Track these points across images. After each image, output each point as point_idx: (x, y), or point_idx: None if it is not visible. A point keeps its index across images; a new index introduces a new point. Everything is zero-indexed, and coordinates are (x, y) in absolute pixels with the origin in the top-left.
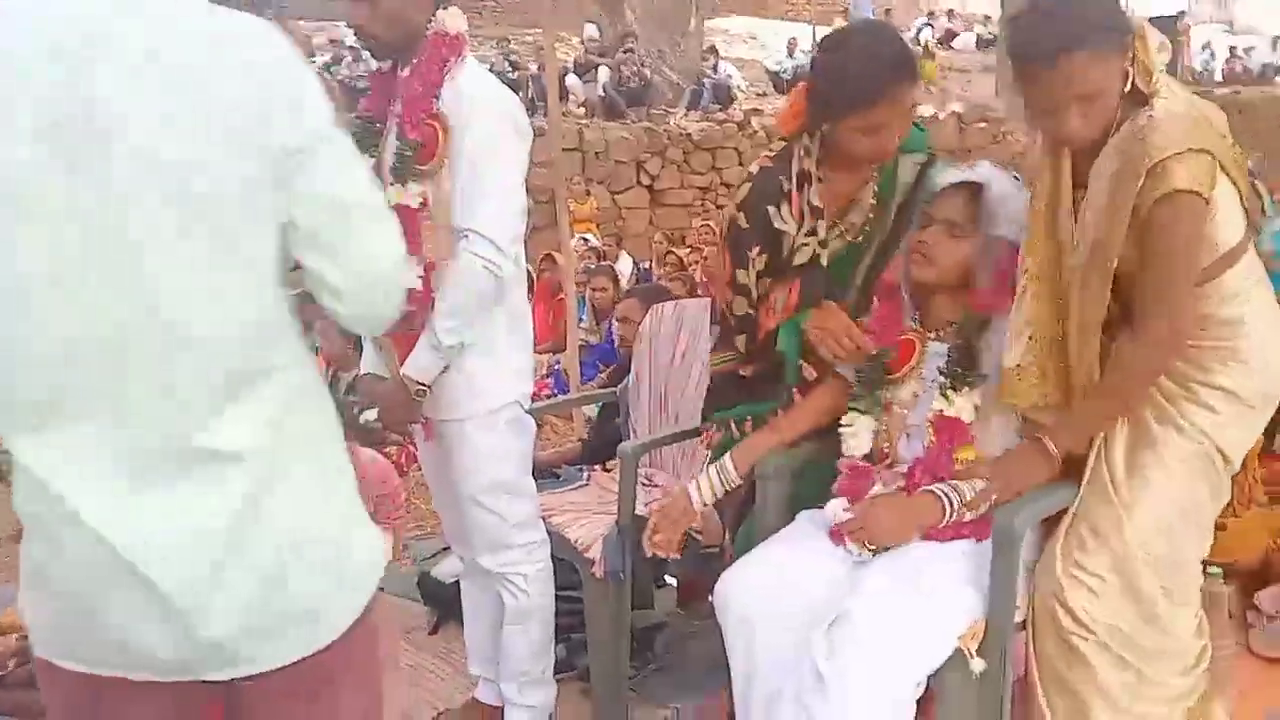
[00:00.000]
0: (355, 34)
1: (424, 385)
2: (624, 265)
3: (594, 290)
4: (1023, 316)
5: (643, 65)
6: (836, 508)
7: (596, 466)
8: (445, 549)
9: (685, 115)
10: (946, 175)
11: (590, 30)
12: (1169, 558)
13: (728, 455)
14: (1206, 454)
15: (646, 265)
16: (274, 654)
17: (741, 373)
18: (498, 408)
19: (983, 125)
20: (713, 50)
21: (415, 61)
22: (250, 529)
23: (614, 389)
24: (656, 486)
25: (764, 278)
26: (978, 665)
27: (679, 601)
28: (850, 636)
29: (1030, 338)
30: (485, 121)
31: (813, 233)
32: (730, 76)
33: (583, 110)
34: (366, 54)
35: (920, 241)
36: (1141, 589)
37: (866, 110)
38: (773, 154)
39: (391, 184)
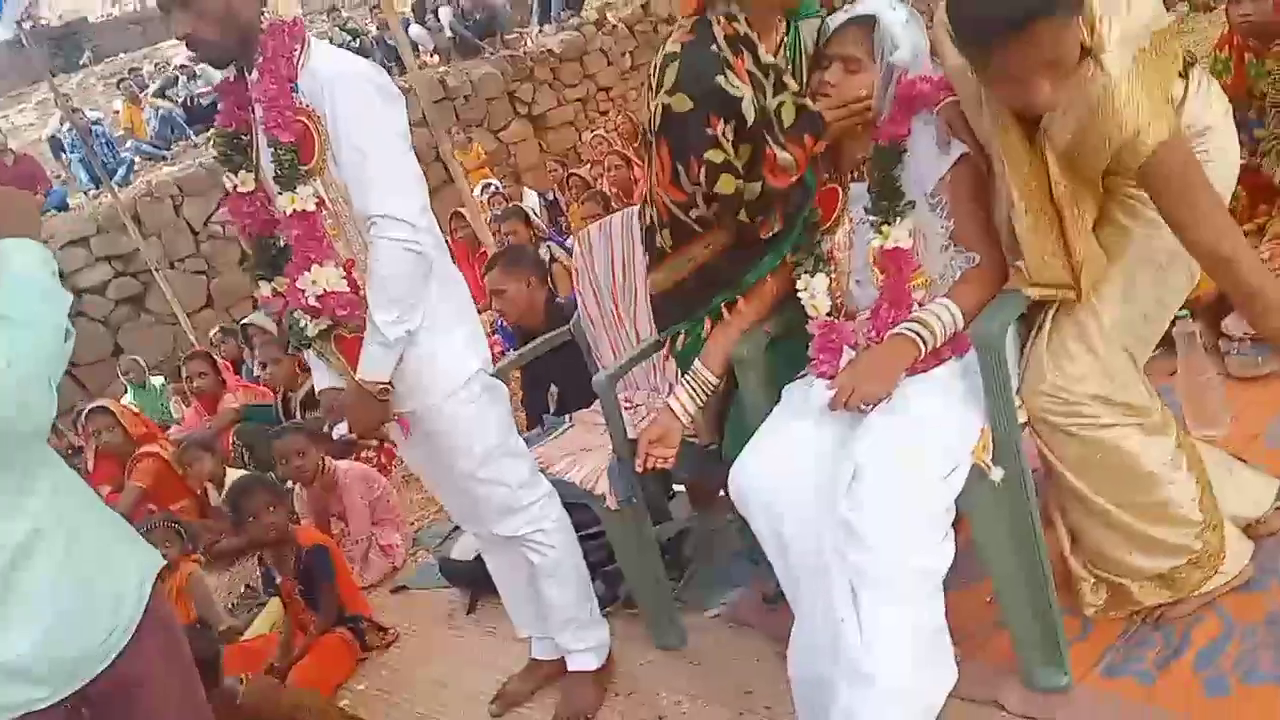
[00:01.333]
0: (186, 45)
1: (385, 384)
2: (530, 200)
3: (509, 234)
4: (1023, 228)
5: None
6: (820, 389)
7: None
8: (455, 529)
9: (540, 32)
10: (837, 17)
11: None
12: (1143, 340)
13: (698, 361)
14: (1180, 251)
15: (551, 196)
16: (90, 669)
17: (763, 234)
18: (466, 380)
19: None
20: None
21: (260, 60)
22: (13, 576)
23: (566, 327)
24: (639, 406)
25: (740, 145)
26: (997, 474)
27: (692, 505)
28: (870, 486)
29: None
30: (352, 99)
31: (781, 89)
32: None
33: (437, 58)
34: (203, 69)
35: (823, 81)
36: (1117, 368)
37: None
38: (686, 30)
39: (280, 193)
